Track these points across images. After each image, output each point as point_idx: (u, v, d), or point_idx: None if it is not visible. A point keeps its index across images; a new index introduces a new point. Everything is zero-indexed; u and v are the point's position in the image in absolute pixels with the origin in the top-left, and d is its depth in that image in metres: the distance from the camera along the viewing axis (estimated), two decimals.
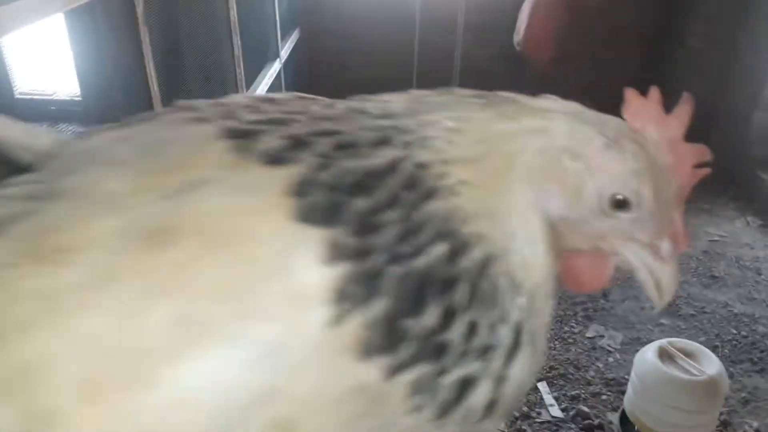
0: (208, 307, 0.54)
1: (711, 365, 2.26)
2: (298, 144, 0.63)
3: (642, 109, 0.74)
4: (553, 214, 0.70)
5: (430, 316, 0.60)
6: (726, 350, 3.07)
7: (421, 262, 0.60)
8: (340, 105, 0.73)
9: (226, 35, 3.41)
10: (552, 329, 3.12)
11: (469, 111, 0.70)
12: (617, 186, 0.69)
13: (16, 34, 1.61)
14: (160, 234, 0.56)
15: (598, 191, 0.69)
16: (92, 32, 2.10)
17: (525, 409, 2.65)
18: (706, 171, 0.75)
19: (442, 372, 0.61)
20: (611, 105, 0.76)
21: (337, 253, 0.58)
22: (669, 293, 0.75)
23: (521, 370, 0.67)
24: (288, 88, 4.39)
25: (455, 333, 0.61)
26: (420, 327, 0.59)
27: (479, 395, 0.64)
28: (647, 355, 2.33)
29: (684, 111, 0.74)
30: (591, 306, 3.33)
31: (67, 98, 5.25)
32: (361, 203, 0.60)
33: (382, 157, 0.64)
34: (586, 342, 3.09)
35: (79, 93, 5.03)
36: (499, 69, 4.74)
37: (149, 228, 0.56)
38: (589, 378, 2.86)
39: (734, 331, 3.21)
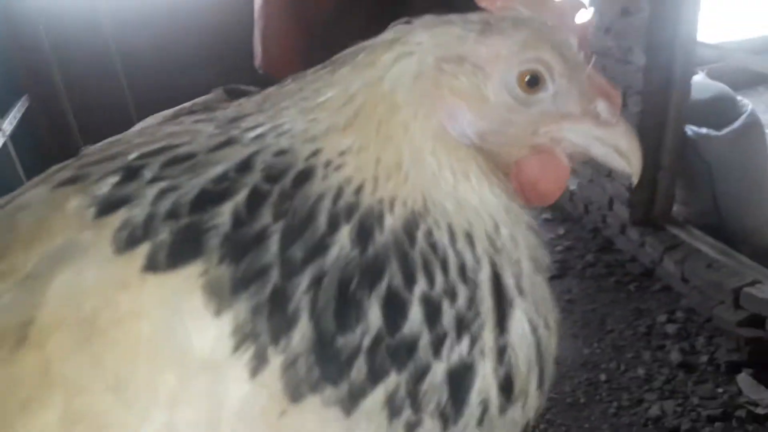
0: (100, 404, 0.48)
1: None
2: (128, 174, 0.54)
3: None
4: (470, 134, 0.60)
5: (371, 318, 0.50)
6: None
7: (328, 259, 0.51)
8: (188, 119, 0.65)
9: None
10: None
11: (320, 83, 0.60)
12: (517, 65, 0.60)
13: None
14: (20, 331, 0.50)
15: (502, 82, 0.60)
16: None
17: None
18: (590, 21, 0.66)
19: (419, 375, 0.51)
20: None
21: (218, 293, 0.49)
22: (635, 156, 0.62)
23: (524, 329, 0.56)
24: (24, 158, 3.83)
25: (412, 322, 0.51)
26: (363, 336, 0.50)
27: (483, 381, 0.53)
28: None
29: None
30: None
31: None
32: (218, 218, 0.51)
33: (227, 158, 0.54)
34: None
35: None
36: None
37: (6, 326, 0.50)
38: None
39: None
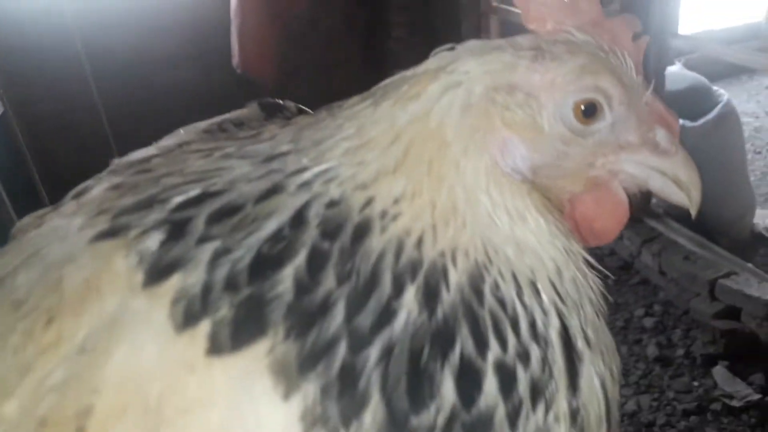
0: None
1: None
2: (174, 231, 0.51)
3: (542, 6, 0.60)
4: (523, 169, 0.57)
5: (444, 393, 0.46)
6: None
7: (397, 326, 0.47)
8: (218, 152, 0.60)
9: None
10: None
11: (361, 119, 0.57)
12: (573, 93, 0.56)
13: None
14: (77, 422, 0.46)
15: (557, 111, 0.56)
16: None
17: None
18: (646, 39, 0.63)
19: None
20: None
21: (285, 373, 0.46)
22: (694, 185, 0.59)
23: (594, 386, 0.53)
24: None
25: (488, 394, 0.47)
26: (437, 414, 0.46)
27: None
28: None
29: None
30: None
31: None
32: (279, 287, 0.48)
33: (277, 211, 0.51)
34: None
35: None
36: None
37: (61, 415, 0.46)
38: None
39: None
